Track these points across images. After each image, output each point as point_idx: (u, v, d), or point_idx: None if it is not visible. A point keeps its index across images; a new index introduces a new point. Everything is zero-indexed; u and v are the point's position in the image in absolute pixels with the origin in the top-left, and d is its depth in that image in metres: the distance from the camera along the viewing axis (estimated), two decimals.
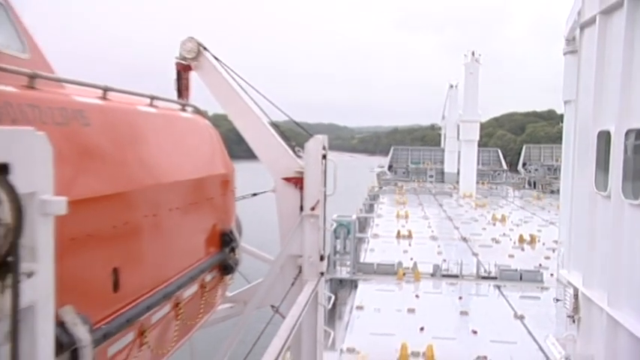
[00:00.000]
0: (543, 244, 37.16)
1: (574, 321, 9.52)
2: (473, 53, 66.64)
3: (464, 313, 23.82)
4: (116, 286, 4.97)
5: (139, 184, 5.60)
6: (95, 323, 4.37)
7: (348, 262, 28.88)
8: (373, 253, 33.49)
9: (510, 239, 39.12)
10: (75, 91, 5.21)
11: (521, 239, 38.26)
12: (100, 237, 4.71)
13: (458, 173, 71.49)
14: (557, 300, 22.05)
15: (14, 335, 2.14)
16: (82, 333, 3.84)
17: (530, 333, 21.02)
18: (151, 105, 6.83)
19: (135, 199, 5.49)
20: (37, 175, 2.29)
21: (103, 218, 4.82)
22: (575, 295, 9.20)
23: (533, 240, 38.05)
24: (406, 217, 47.89)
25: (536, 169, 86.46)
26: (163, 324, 6.16)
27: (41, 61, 4.95)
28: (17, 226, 2.15)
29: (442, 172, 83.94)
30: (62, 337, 3.58)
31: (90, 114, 5.02)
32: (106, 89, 5.61)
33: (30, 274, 2.24)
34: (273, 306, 9.39)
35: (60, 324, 3.54)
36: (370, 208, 53.83)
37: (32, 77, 4.35)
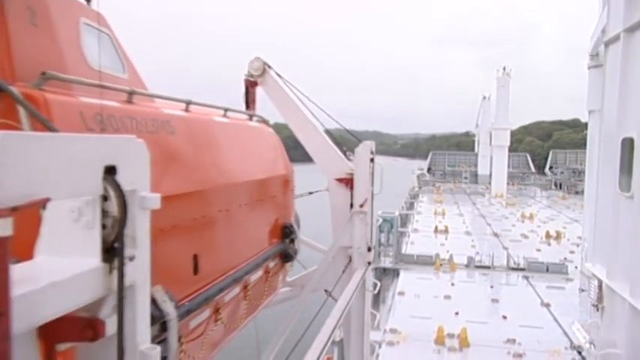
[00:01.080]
0: (568, 239, 36.04)
1: (598, 309, 9.23)
2: (504, 68, 65.17)
3: (495, 300, 23.36)
4: (196, 270, 5.10)
5: (214, 183, 5.71)
6: (179, 301, 4.49)
7: (391, 253, 28.79)
8: (413, 245, 33.13)
9: (538, 235, 38.06)
10: (163, 105, 5.36)
11: (547, 235, 37.18)
12: (182, 228, 4.85)
13: (490, 175, 69.88)
14: (582, 290, 21.46)
15: (120, 308, 2.21)
16: (169, 308, 3.96)
17: (555, 319, 20.44)
18: (224, 116, 6.96)
19: (211, 196, 5.60)
20: (137, 175, 2.35)
21: (185, 212, 4.94)
22: (599, 286, 8.92)
23: (558, 236, 36.95)
24: (443, 214, 47.15)
25: (562, 172, 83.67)
26: (234, 303, 6.26)
27: (137, 80, 5.11)
28: (122, 218, 2.21)
29: (476, 174, 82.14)
30: (154, 311, 3.69)
31: (175, 124, 5.15)
32: (188, 103, 5.75)
33: (132, 258, 2.30)
34: (326, 290, 9.40)
35: (152, 300, 3.65)
36: (411, 206, 53.23)
37: (130, 94, 4.50)
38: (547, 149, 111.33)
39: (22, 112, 3.15)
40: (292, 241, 8.31)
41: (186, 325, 4.82)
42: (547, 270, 27.46)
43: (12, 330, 1.60)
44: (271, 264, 7.60)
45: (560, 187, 78.22)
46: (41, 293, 1.86)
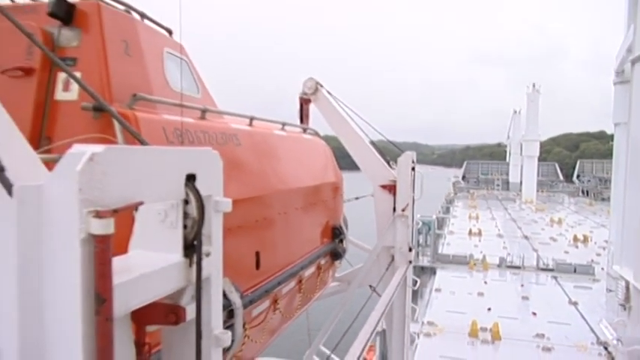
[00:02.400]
0: (595, 242, 34.71)
1: (625, 309, 8.83)
2: (534, 85, 63.54)
3: (525, 297, 22.72)
4: (257, 265, 5.16)
5: (274, 189, 5.77)
6: (244, 292, 4.55)
7: (429, 253, 28.47)
8: (449, 246, 32.64)
9: (566, 238, 36.84)
10: (230, 120, 5.46)
11: (575, 238, 35.91)
12: (246, 228, 4.92)
13: (520, 183, 68.07)
14: (610, 290, 20.57)
15: (198, 297, 2.26)
16: (235, 298, 4.02)
17: (582, 317, 19.68)
18: (282, 129, 7.04)
19: (271, 200, 5.65)
20: (212, 182, 2.37)
21: (249, 214, 5.01)
22: (627, 287, 8.53)
23: (586, 239, 35.60)
24: (477, 218, 46.26)
25: (588, 180, 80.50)
26: (290, 295, 6.29)
27: (208, 99, 5.23)
28: (200, 220, 2.25)
29: (507, 182, 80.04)
30: (223, 301, 3.75)
31: (241, 137, 5.25)
32: (251, 118, 5.85)
33: (207, 254, 2.33)
34: (371, 286, 9.36)
35: None
36: (447, 210, 52.40)
37: (203, 111, 4.62)
38: (574, 159, 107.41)
39: (117, 128, 3.29)
40: (341, 241, 8.31)
41: (249, 314, 4.89)
42: (575, 271, 26.52)
43: (113, 313, 1.67)
44: (322, 261, 7.61)
45: (587, 194, 75.29)
46: (134, 283, 1.93)
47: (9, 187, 1.65)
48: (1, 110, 1.96)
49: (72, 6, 3.76)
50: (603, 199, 63.76)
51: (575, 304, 21.34)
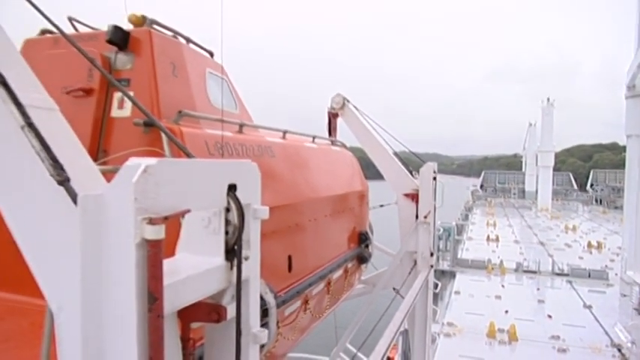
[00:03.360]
0: (609, 249, 33.59)
1: (639, 313, 8.50)
2: (548, 99, 62.31)
3: (541, 301, 22.13)
4: (290, 268, 5.16)
5: (305, 197, 5.78)
6: (277, 292, 4.56)
7: (449, 258, 28.03)
8: (468, 251, 32.09)
9: (580, 244, 35.74)
10: (265, 134, 5.52)
11: (589, 245, 34.82)
12: (280, 233, 4.93)
13: (536, 191, 66.49)
14: (624, 295, 19.87)
15: (238, 297, 2.26)
16: (270, 298, 4.02)
17: (597, 320, 19.02)
18: (312, 142, 7.07)
19: (302, 208, 5.66)
20: (251, 191, 2.37)
21: (282, 221, 5.01)
22: None
23: (599, 246, 34.48)
24: (494, 224, 45.29)
25: (602, 189, 77.91)
26: (319, 296, 6.26)
27: (245, 114, 5.30)
28: (240, 226, 2.25)
29: (523, 191, 78.28)
30: None
31: (275, 149, 5.29)
32: (284, 132, 5.90)
33: (246, 258, 2.34)
34: (394, 288, 9.26)
35: None
36: (466, 217, 51.54)
37: (241, 126, 4.69)
38: (588, 169, 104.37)
39: (164, 141, 3.37)
40: (367, 246, 8.27)
41: (282, 313, 4.89)
42: (589, 276, 25.70)
43: (164, 311, 1.71)
44: (349, 265, 7.57)
45: (601, 203, 72.93)
46: (182, 284, 1.96)
47: (74, 197, 1.71)
48: (67, 127, 2.03)
49: (127, 33, 3.90)
50: (616, 208, 61.70)
51: (589, 307, 20.67)
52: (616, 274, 25.01)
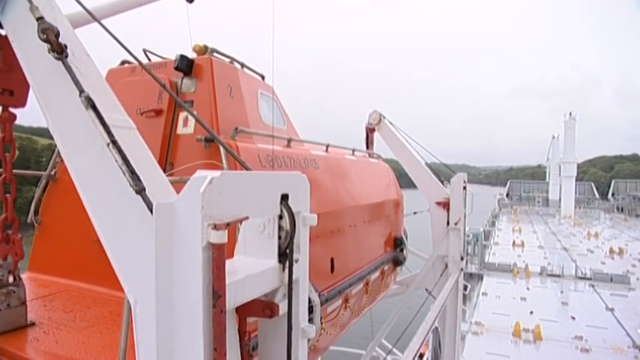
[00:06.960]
0: (630, 255, 31.80)
1: None
2: (570, 113, 59.74)
3: (564, 303, 21.17)
4: (332, 269, 5.14)
5: (346, 205, 5.77)
6: (321, 291, 4.55)
7: (477, 261, 27.24)
8: (495, 255, 31.07)
9: (602, 250, 33.98)
10: (310, 147, 5.55)
11: (611, 250, 33.03)
12: (324, 238, 4.94)
13: (559, 200, 63.64)
14: None
15: (289, 296, 2.26)
16: (315, 297, 4.00)
17: (619, 322, 18.00)
18: (352, 154, 7.06)
19: (343, 215, 5.65)
20: (301, 200, 2.37)
21: (326, 226, 5.03)
22: None
23: (621, 251, 32.66)
24: (519, 231, 43.69)
25: (623, 198, 73.69)
26: (358, 296, 6.20)
27: (292, 130, 5.36)
28: (292, 232, 2.26)
29: (547, 199, 75.19)
30: None
31: (318, 161, 5.32)
32: (327, 145, 5.92)
33: (297, 260, 2.34)
34: (427, 289, 9.05)
35: None
36: (493, 224, 49.98)
37: (289, 141, 4.74)
38: (609, 179, 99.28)
39: (222, 155, 3.45)
40: (402, 250, 8.15)
41: (325, 310, 4.88)
42: (611, 280, 24.39)
43: (226, 307, 1.73)
44: (386, 267, 7.49)
45: (622, 211, 69.06)
46: (241, 283, 1.98)
47: (149, 205, 1.77)
48: (143, 143, 2.11)
49: (191, 61, 4.05)
50: (637, 215, 58.56)
51: (611, 310, 19.62)
52: (637, 279, 23.81)
